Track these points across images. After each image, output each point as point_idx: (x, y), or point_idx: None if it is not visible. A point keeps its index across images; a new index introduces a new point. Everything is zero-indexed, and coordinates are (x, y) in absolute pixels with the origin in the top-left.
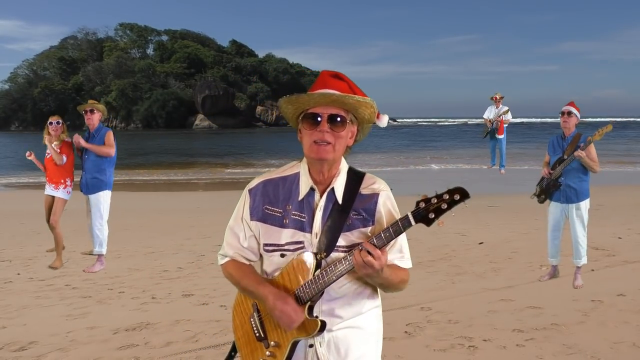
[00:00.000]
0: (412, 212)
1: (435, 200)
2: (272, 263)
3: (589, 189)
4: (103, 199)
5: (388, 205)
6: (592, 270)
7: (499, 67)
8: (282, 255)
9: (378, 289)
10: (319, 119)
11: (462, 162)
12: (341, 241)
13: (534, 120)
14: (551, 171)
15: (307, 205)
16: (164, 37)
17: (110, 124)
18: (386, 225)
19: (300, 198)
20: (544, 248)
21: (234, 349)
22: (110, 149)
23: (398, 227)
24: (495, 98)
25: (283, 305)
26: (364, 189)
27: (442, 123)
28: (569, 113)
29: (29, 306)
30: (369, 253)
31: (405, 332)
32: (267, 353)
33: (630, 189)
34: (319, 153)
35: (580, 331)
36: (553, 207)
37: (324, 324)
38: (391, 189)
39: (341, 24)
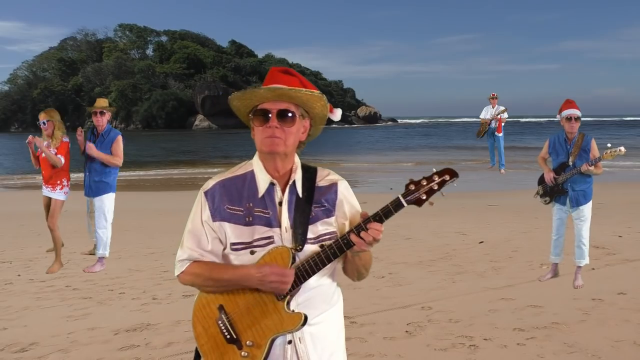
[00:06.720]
0: (402, 194)
1: (426, 182)
2: (241, 262)
3: (592, 188)
4: (108, 202)
5: (346, 193)
6: (593, 269)
7: (499, 66)
8: (252, 252)
9: (337, 286)
10: (269, 114)
11: (462, 161)
12: (309, 233)
13: (534, 119)
14: (555, 176)
15: (269, 200)
16: (164, 38)
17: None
18: (346, 212)
19: (260, 195)
20: (544, 247)
21: (197, 357)
22: (119, 161)
23: (389, 210)
24: (493, 95)
25: (272, 270)
26: (321, 181)
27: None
28: (577, 118)
29: (30, 307)
30: (365, 229)
31: (406, 331)
32: (243, 354)
33: (629, 187)
34: (271, 146)
35: (581, 330)
36: (558, 209)
37: (306, 317)
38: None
39: (341, 24)
